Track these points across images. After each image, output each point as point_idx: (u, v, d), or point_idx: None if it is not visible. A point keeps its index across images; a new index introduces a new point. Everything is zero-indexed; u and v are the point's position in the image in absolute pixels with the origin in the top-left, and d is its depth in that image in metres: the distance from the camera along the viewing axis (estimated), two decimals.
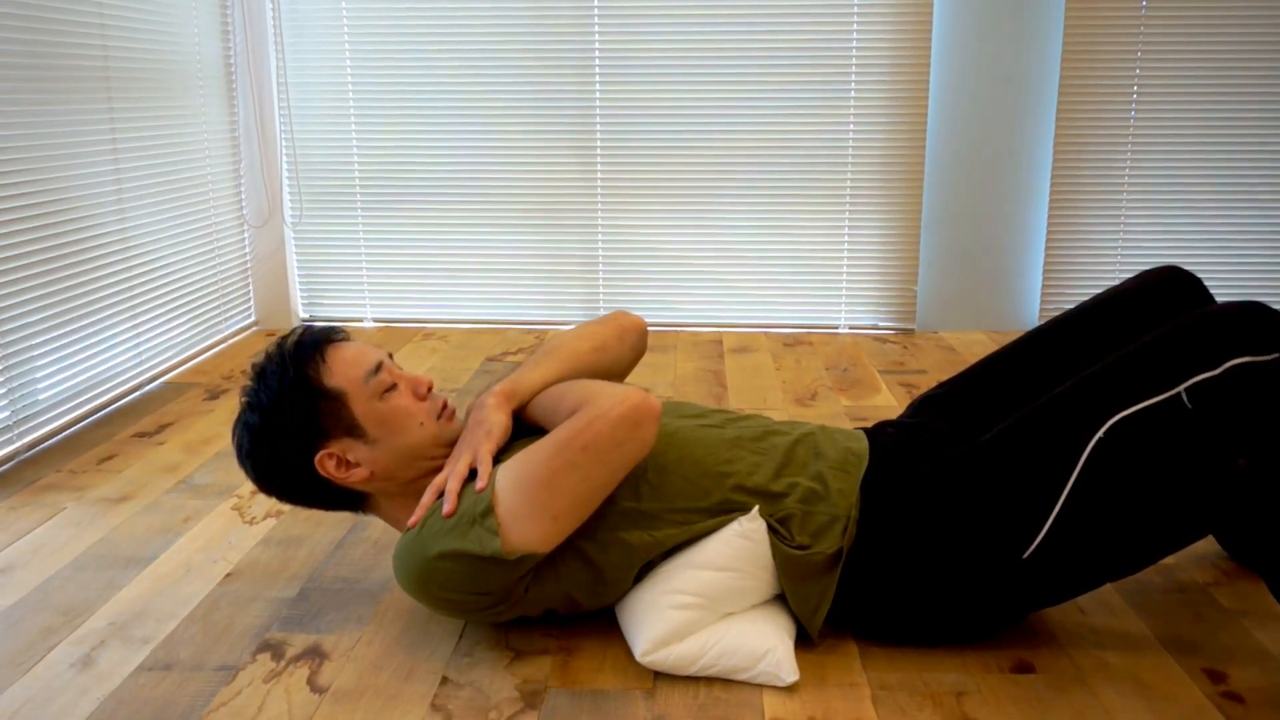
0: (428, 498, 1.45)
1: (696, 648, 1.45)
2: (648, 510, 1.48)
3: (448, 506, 1.40)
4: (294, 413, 1.45)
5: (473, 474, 1.44)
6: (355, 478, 1.48)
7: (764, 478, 1.51)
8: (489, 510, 1.38)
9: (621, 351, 1.69)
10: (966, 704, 1.39)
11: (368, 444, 1.47)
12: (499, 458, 1.47)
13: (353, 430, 1.47)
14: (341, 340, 1.52)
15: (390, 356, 1.54)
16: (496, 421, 1.49)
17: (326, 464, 1.47)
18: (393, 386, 1.49)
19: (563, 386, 1.51)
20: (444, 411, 1.53)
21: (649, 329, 1.82)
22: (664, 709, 1.39)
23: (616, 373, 1.69)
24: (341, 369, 1.47)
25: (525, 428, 1.54)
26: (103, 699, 1.43)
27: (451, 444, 1.53)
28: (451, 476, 1.44)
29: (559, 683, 1.45)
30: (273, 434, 1.46)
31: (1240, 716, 1.36)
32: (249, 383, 1.50)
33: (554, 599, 1.50)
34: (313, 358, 1.47)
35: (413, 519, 1.44)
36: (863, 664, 1.49)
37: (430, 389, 1.53)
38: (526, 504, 1.37)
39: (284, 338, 1.51)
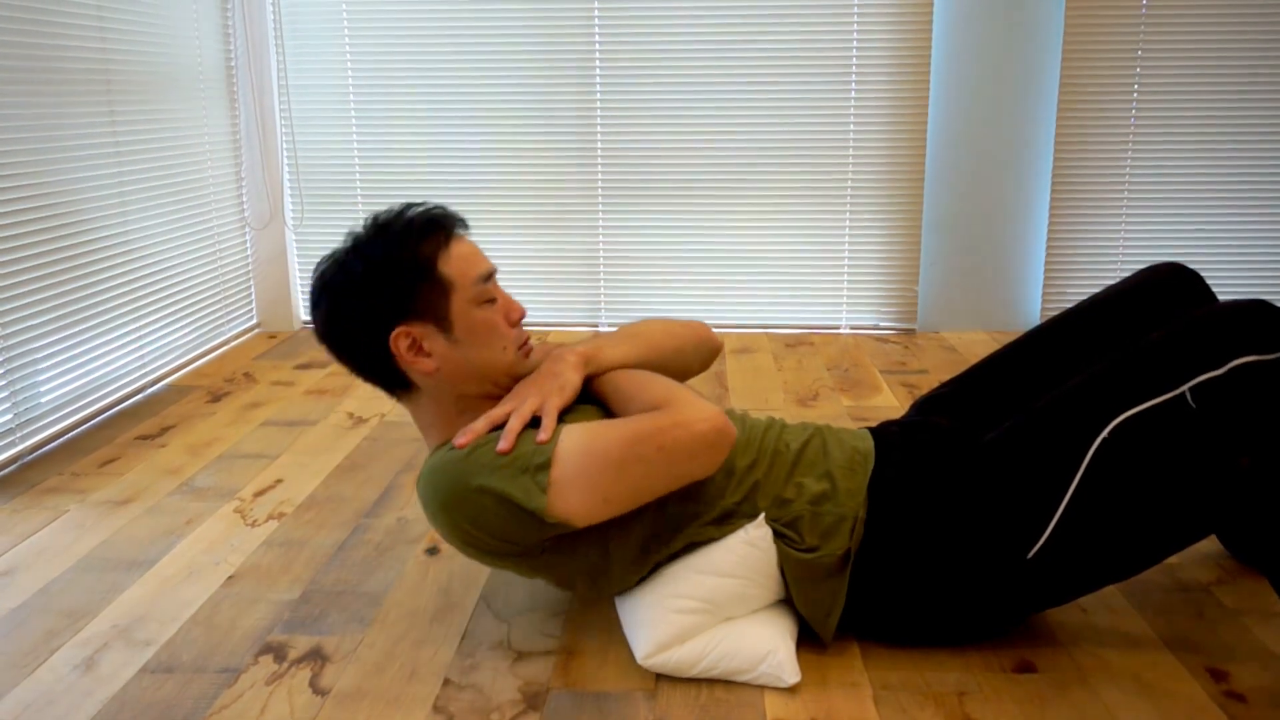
0: (482, 424, 1.42)
1: (698, 650, 1.45)
2: (670, 512, 1.48)
3: (504, 444, 1.38)
4: (397, 278, 1.42)
5: (533, 422, 1.42)
6: (420, 366, 1.45)
7: (777, 480, 1.50)
8: (546, 465, 1.36)
9: (693, 361, 1.68)
10: (968, 704, 1.39)
11: (448, 341, 1.45)
12: (561, 419, 1.45)
13: (441, 322, 1.44)
14: (465, 234, 1.50)
15: (495, 272, 1.52)
16: (570, 381, 1.48)
17: (400, 341, 1.44)
18: (493, 300, 1.48)
19: (644, 375, 1.50)
20: (525, 346, 1.52)
21: None
22: (665, 710, 1.39)
23: (682, 378, 1.67)
24: (459, 262, 1.45)
25: (587, 396, 1.53)
26: (105, 702, 1.43)
27: (516, 379, 1.51)
28: (515, 415, 1.41)
29: (561, 684, 1.45)
30: (368, 288, 1.43)
31: (1242, 715, 1.36)
32: (363, 230, 1.46)
33: (558, 572, 1.49)
34: (439, 236, 1.45)
35: (462, 439, 1.41)
36: (864, 664, 1.49)
37: (521, 318, 1.51)
38: (585, 477, 1.36)
39: (414, 204, 1.48)
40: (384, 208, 1.49)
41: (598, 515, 1.39)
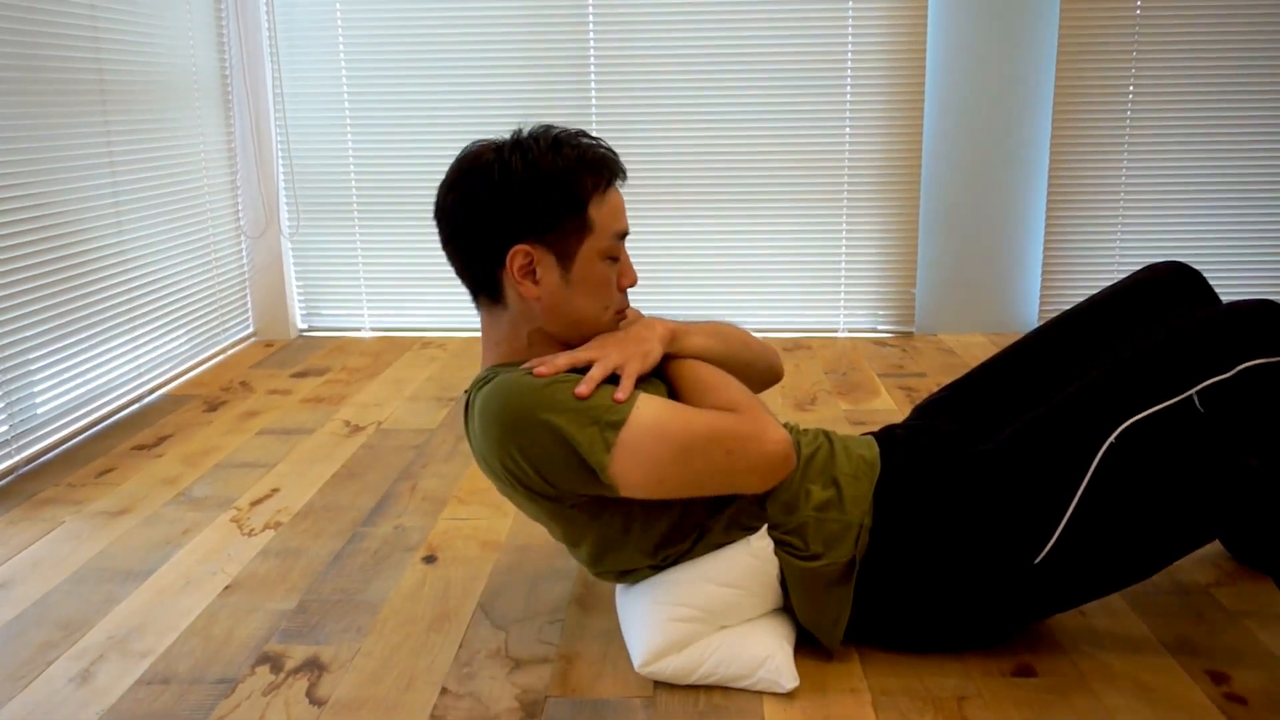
0: (565, 360, 1.40)
1: (695, 657, 1.44)
2: (692, 513, 1.47)
3: (584, 388, 1.35)
4: (549, 198, 1.39)
5: (611, 379, 1.40)
6: (524, 289, 1.43)
7: (788, 484, 1.49)
8: (618, 425, 1.34)
9: (757, 379, 1.67)
10: (968, 708, 1.38)
11: (561, 278, 1.43)
12: (637, 385, 1.42)
13: (565, 258, 1.42)
14: (621, 185, 1.47)
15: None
16: (655, 351, 1.46)
17: (518, 257, 1.40)
18: (617, 259, 1.46)
19: (725, 375, 1.49)
20: (621, 312, 1.51)
21: None
22: (664, 717, 1.38)
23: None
24: (608, 209, 1.43)
25: (657, 370, 1.51)
26: (102, 713, 1.43)
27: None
28: (599, 363, 1.39)
29: (559, 692, 1.45)
30: (515, 191, 1.39)
31: (1243, 718, 1.35)
32: (533, 135, 1.42)
33: (572, 529, 1.47)
34: (601, 176, 1.42)
35: (541, 368, 1.38)
36: (863, 669, 1.48)
37: (632, 285, 1.50)
38: (651, 451, 1.34)
39: (588, 134, 1.45)
40: (558, 124, 1.45)
41: (648, 492, 1.38)
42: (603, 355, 1.41)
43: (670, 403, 1.40)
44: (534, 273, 1.42)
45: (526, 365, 1.41)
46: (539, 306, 1.44)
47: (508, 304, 1.47)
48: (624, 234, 1.46)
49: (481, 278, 1.46)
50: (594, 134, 1.46)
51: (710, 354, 1.54)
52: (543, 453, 1.35)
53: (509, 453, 1.37)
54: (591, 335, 1.47)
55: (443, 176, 1.46)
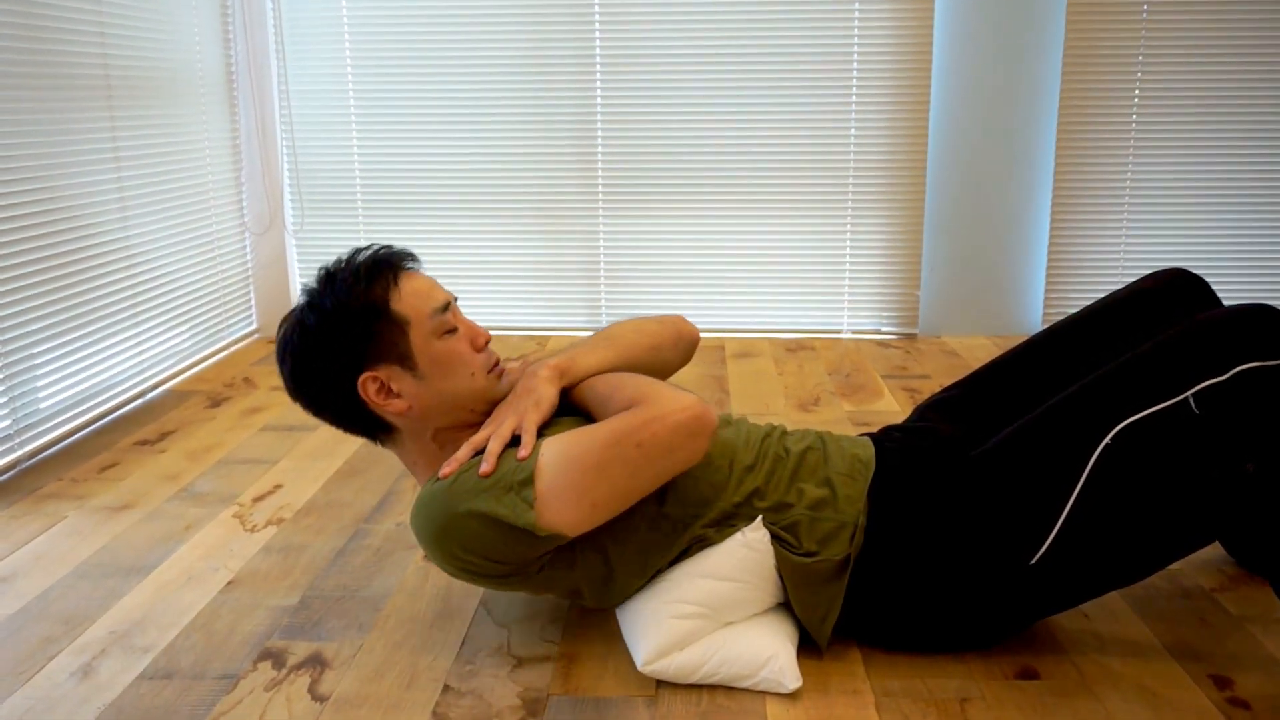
0: (464, 452, 1.43)
1: (698, 656, 1.44)
2: (671, 515, 1.47)
3: (486, 466, 1.38)
4: (353, 325, 1.43)
5: (514, 441, 1.43)
6: (392, 408, 1.46)
7: (778, 484, 1.50)
8: (529, 481, 1.36)
9: (673, 356, 1.68)
10: (970, 710, 1.38)
11: (415, 379, 1.45)
12: (541, 433, 1.45)
13: (404, 361, 1.44)
14: (415, 267, 1.50)
15: (455, 301, 1.52)
16: (546, 395, 1.47)
17: (369, 386, 1.44)
18: (454, 329, 1.48)
19: (619, 377, 1.50)
20: (495, 369, 1.52)
21: None
22: (666, 716, 1.38)
23: (663, 375, 1.67)
24: (411, 298, 1.45)
25: (568, 407, 1.53)
26: (103, 708, 1.43)
27: (494, 403, 1.51)
28: (494, 437, 1.42)
29: (561, 690, 1.45)
30: (325, 340, 1.43)
31: None
32: (314, 284, 1.47)
33: (561, 585, 1.49)
34: (386, 276, 1.45)
35: (446, 469, 1.41)
36: (866, 670, 1.48)
37: (487, 343, 1.51)
38: (569, 485, 1.36)
39: (361, 249, 1.48)
40: (333, 258, 1.50)
41: (588, 521, 1.38)
42: (496, 426, 1.44)
43: (569, 433, 1.41)
44: (390, 390, 1.45)
45: (435, 473, 1.44)
46: (417, 413, 1.47)
47: (396, 427, 1.51)
48: (445, 305, 1.47)
49: (361, 423, 1.51)
50: (389, 248, 1.50)
51: (605, 365, 1.55)
52: (480, 540, 1.37)
53: (453, 554, 1.40)
54: (485, 404, 1.50)
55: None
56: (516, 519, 1.35)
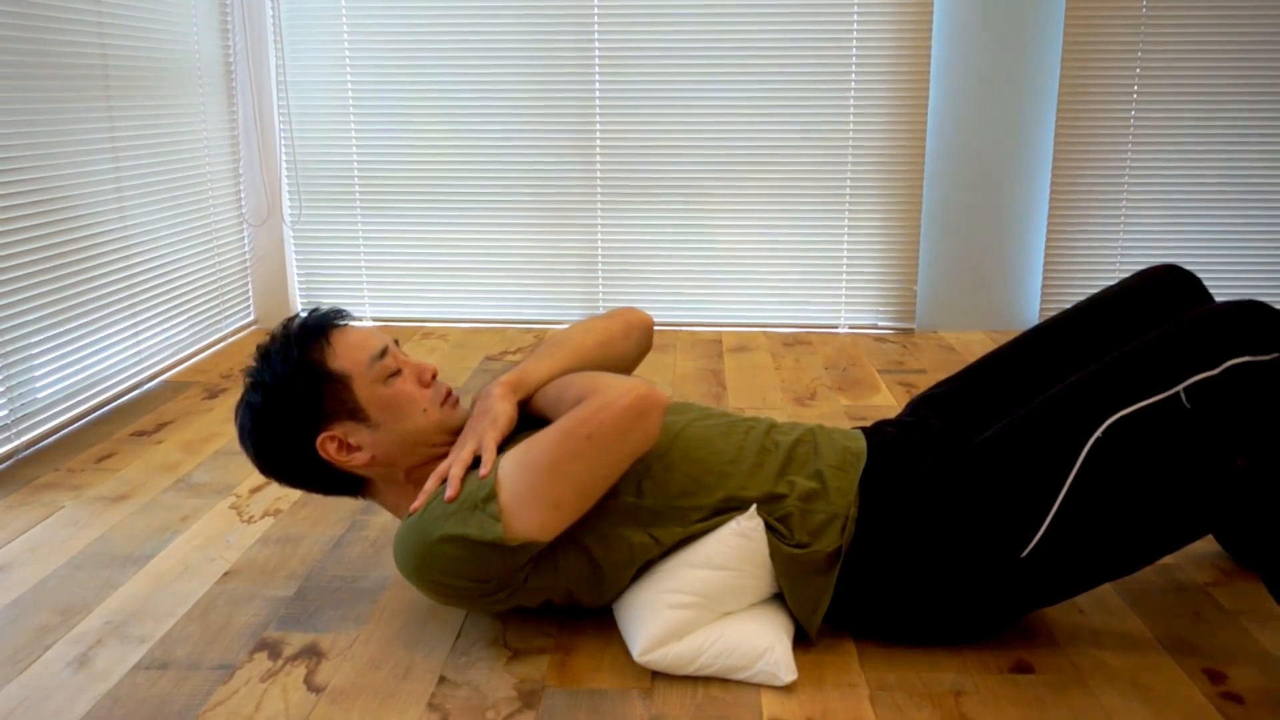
0: (431, 484, 1.45)
1: (694, 647, 1.44)
2: (650, 507, 1.48)
3: (450, 491, 1.40)
4: (297, 394, 1.46)
5: (476, 461, 1.44)
6: (356, 461, 1.48)
7: (766, 477, 1.51)
8: (491, 496, 1.37)
9: (627, 347, 1.69)
10: (965, 704, 1.39)
11: (370, 428, 1.48)
12: (503, 448, 1.47)
13: (355, 414, 1.47)
14: (346, 323, 1.53)
15: (396, 343, 1.54)
16: (502, 411, 1.49)
17: (328, 446, 1.47)
18: (397, 372, 1.50)
19: (568, 378, 1.51)
20: (448, 399, 1.54)
21: None
22: (662, 708, 1.39)
23: (621, 368, 1.70)
24: (346, 352, 1.48)
25: (530, 419, 1.54)
26: (99, 698, 1.43)
27: (455, 432, 1.53)
28: (455, 463, 1.44)
29: (557, 682, 1.45)
30: (275, 414, 1.46)
31: (1240, 717, 1.36)
32: (253, 363, 1.50)
33: (552, 591, 1.50)
34: (317, 340, 1.48)
35: (415, 504, 1.43)
36: (861, 664, 1.48)
37: (434, 376, 1.53)
38: (529, 491, 1.37)
39: (289, 319, 1.51)
40: (269, 334, 1.54)
41: (556, 522, 1.39)
42: (456, 454, 1.46)
43: (524, 441, 1.43)
44: (349, 445, 1.48)
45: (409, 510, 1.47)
46: (381, 460, 1.50)
47: (366, 478, 1.54)
48: (382, 351, 1.50)
49: (328, 482, 1.54)
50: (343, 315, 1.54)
51: (557, 370, 1.57)
52: (458, 564, 1.39)
53: (437, 582, 1.42)
54: (446, 435, 1.52)
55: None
56: (484, 535, 1.36)
